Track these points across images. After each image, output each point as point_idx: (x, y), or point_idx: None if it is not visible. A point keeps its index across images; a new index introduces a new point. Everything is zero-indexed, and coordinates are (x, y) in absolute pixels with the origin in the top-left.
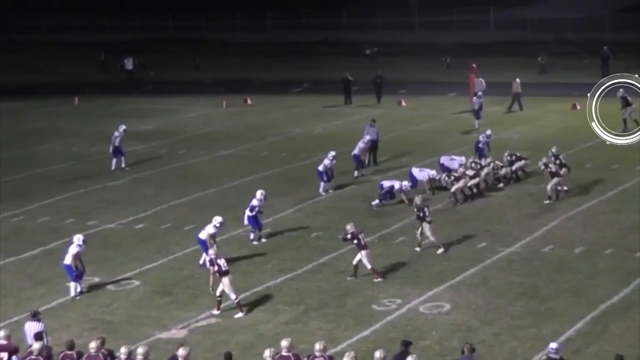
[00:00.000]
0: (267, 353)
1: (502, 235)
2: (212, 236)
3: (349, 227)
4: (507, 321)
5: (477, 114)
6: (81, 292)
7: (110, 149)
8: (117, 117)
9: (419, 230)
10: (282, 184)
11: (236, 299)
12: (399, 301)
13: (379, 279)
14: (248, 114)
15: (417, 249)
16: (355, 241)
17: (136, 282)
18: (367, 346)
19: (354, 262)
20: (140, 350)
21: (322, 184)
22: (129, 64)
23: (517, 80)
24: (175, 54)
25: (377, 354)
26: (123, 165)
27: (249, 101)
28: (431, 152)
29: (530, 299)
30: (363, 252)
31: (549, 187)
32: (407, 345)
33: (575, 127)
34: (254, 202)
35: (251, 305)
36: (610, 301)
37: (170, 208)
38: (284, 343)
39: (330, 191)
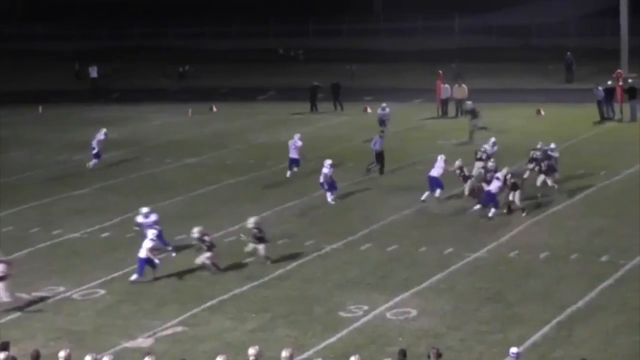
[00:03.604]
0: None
1: (469, 241)
2: (152, 249)
3: (197, 229)
4: (474, 326)
5: (383, 123)
6: None
7: (95, 151)
8: (82, 125)
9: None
10: (248, 191)
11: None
12: (365, 307)
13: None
14: (214, 122)
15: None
16: (201, 242)
17: (102, 291)
18: (334, 353)
19: (198, 261)
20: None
21: (328, 194)
22: (93, 72)
23: (463, 85)
24: (142, 62)
25: (353, 359)
26: (91, 166)
27: (214, 109)
28: (400, 159)
29: (496, 304)
30: (208, 253)
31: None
32: (404, 355)
33: (540, 133)
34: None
35: (218, 314)
36: (576, 305)
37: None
38: (251, 351)
39: (337, 200)
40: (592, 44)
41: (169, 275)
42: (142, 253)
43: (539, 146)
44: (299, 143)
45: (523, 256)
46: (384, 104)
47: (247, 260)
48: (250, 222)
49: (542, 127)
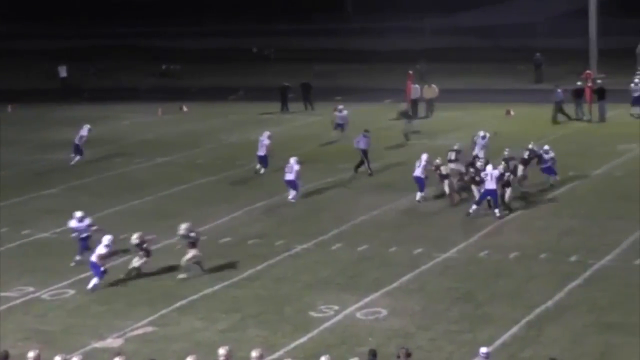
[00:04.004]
0: None
1: (439, 241)
2: (102, 257)
3: (136, 235)
4: (444, 326)
5: (340, 126)
6: None
7: (81, 147)
8: (53, 125)
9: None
10: (218, 191)
11: None
12: (336, 307)
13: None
14: (184, 122)
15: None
16: (139, 249)
17: (72, 291)
18: (304, 353)
19: (135, 264)
20: None
21: (293, 192)
22: (62, 71)
23: (433, 85)
24: (125, 61)
25: (323, 359)
26: (73, 162)
27: (184, 108)
28: (370, 159)
29: (466, 304)
30: (146, 258)
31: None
32: (374, 355)
33: (510, 133)
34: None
35: (188, 314)
36: (545, 305)
37: (106, 216)
38: (222, 351)
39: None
40: (562, 45)
41: (139, 276)
42: (93, 257)
43: (530, 146)
44: (266, 142)
45: (493, 256)
46: (340, 106)
47: (219, 260)
48: (182, 228)
49: (512, 127)
